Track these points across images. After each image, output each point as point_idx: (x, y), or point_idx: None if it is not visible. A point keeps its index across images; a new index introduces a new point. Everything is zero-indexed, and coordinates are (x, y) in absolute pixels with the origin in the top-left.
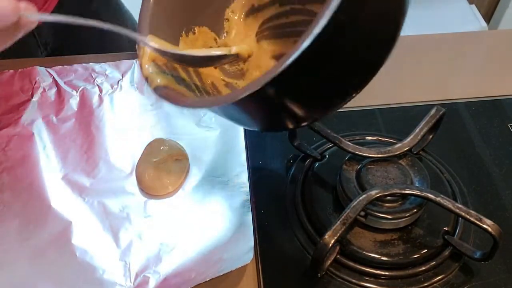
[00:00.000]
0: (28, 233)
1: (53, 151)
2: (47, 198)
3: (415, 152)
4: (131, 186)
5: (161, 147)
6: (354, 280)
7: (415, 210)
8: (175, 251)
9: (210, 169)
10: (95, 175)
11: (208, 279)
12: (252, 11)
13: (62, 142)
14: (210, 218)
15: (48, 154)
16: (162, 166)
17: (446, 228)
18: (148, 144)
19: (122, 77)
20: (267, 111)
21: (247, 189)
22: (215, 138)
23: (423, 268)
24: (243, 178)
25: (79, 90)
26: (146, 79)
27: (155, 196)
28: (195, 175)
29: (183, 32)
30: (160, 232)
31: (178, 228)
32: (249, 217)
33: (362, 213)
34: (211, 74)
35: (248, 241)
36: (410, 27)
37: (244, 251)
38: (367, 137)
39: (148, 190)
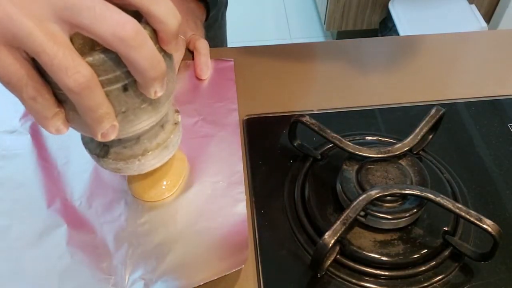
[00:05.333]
0: (22, 234)
1: (50, 152)
2: (43, 199)
3: (415, 152)
4: (127, 189)
5: None
6: (354, 280)
7: (415, 210)
8: (170, 255)
9: (208, 172)
10: (92, 177)
11: (201, 283)
12: None
13: (59, 143)
14: (206, 222)
15: (44, 156)
16: (158, 171)
17: (446, 228)
18: None
19: None
20: None
21: (243, 193)
22: (213, 139)
23: (423, 268)
24: (241, 181)
25: None
26: None
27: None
28: (192, 178)
29: None
30: (155, 236)
31: (173, 232)
32: (244, 222)
33: (362, 213)
34: None
35: (243, 245)
36: (411, 27)
37: (239, 255)
38: (367, 137)
39: (142, 198)
